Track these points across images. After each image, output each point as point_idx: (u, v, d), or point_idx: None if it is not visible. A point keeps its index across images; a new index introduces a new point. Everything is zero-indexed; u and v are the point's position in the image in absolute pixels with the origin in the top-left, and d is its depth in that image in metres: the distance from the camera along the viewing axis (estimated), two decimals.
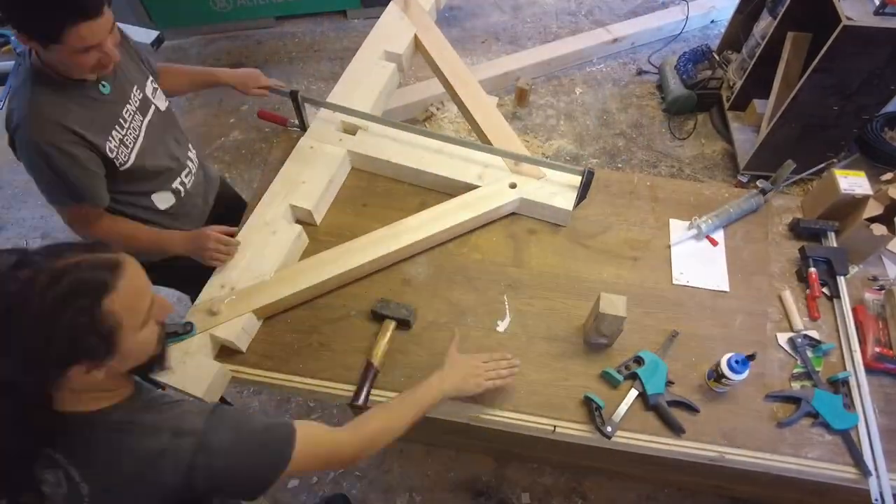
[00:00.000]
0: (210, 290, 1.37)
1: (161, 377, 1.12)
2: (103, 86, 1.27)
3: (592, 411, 1.23)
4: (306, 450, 0.91)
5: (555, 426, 1.24)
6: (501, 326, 1.37)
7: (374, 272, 1.46)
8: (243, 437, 0.87)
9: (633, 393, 1.26)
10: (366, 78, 1.78)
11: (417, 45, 1.92)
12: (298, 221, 1.53)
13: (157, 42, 2.65)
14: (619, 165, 3.01)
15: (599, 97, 3.31)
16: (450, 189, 1.59)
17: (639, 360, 1.30)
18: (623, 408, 1.24)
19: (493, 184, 1.56)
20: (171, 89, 1.55)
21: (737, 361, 1.21)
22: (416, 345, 1.35)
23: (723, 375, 1.23)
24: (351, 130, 1.68)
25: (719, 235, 1.53)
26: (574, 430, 1.24)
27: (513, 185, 1.54)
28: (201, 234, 1.39)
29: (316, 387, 1.29)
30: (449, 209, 1.51)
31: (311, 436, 0.94)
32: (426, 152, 1.62)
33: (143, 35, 2.65)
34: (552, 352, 1.34)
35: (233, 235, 1.44)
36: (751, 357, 1.20)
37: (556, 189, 1.55)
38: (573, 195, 1.53)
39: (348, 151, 1.63)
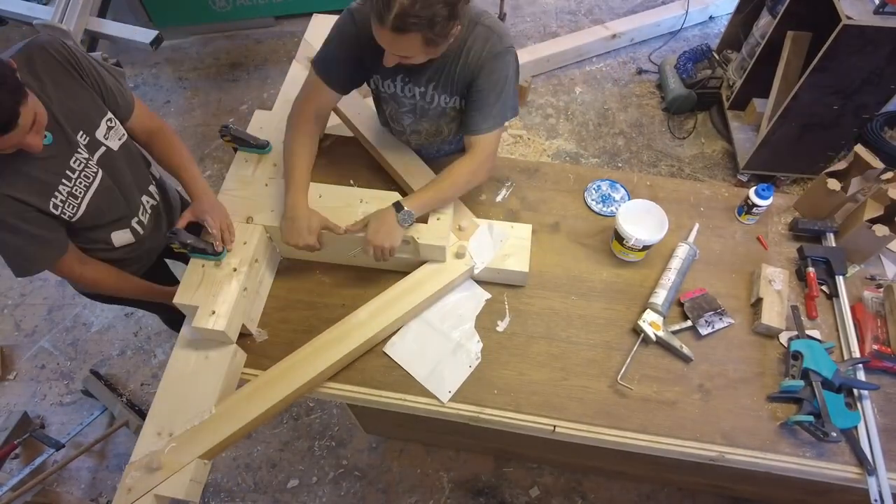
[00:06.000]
0: (145, 443, 1.17)
1: None
2: (44, 136, 1.14)
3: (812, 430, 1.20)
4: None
5: (555, 426, 1.24)
6: (501, 326, 1.37)
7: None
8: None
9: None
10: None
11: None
12: None
13: (156, 42, 2.63)
14: (619, 165, 3.01)
15: (599, 96, 3.30)
16: (393, 266, 1.40)
17: (797, 356, 1.28)
18: None
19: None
20: (156, 157, 1.45)
21: (763, 189, 1.42)
22: None
23: (754, 205, 1.42)
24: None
25: None
26: (574, 430, 1.24)
27: (459, 255, 1.37)
28: None
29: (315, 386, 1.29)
30: (398, 293, 1.33)
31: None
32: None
33: (141, 35, 2.64)
34: (552, 351, 1.34)
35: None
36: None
37: (507, 249, 1.39)
38: (527, 253, 1.39)
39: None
